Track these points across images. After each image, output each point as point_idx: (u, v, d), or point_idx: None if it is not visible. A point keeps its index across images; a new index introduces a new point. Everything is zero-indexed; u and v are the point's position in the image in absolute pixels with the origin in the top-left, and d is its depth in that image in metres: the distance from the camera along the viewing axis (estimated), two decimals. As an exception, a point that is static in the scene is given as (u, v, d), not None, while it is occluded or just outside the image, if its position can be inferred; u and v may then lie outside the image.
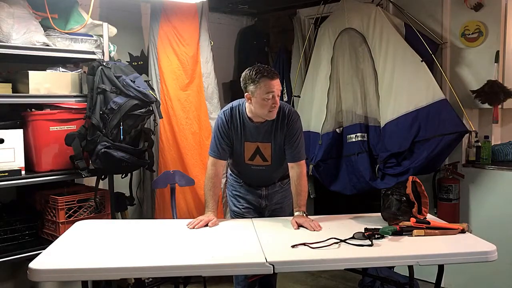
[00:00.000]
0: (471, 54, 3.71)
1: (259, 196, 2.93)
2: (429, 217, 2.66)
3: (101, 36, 3.37)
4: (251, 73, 2.63)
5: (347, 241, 2.30)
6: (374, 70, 3.83)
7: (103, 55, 3.35)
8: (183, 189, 3.80)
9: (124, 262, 2.11)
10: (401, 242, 2.34)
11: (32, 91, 3.08)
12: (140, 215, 4.16)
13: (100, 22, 3.38)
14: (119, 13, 3.98)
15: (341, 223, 2.69)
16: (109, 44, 3.38)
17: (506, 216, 3.53)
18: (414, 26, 3.73)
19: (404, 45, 3.68)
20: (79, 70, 3.38)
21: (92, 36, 3.35)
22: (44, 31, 3.13)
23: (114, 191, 3.44)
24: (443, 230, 2.43)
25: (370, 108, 3.89)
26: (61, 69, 3.30)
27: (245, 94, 2.67)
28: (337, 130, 4.01)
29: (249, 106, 2.69)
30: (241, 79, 2.70)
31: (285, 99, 4.59)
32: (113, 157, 3.12)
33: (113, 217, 3.41)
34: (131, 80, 3.22)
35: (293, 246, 2.25)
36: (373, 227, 2.43)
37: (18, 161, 3.05)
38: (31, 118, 3.16)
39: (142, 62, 4.18)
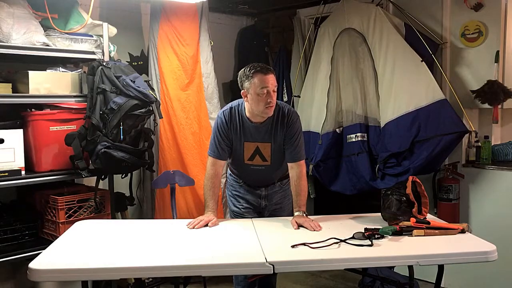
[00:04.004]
0: (471, 54, 3.70)
1: (259, 196, 2.93)
2: (429, 217, 2.66)
3: (101, 36, 3.36)
4: (245, 70, 2.66)
5: (347, 241, 2.30)
6: (374, 70, 3.83)
7: (103, 55, 3.35)
8: (183, 189, 3.80)
9: (124, 262, 2.11)
10: (401, 242, 2.34)
11: (32, 91, 3.08)
12: (140, 215, 4.16)
13: (100, 22, 3.38)
14: (119, 13, 3.98)
15: (341, 223, 2.69)
16: (109, 44, 3.38)
17: (506, 216, 3.53)
18: (414, 26, 3.73)
19: (404, 45, 3.68)
20: (79, 70, 3.38)
21: (92, 36, 3.35)
22: (44, 31, 3.13)
23: (114, 191, 3.44)
24: (443, 230, 2.43)
25: (370, 108, 3.89)
26: (61, 69, 3.30)
27: (242, 92, 2.68)
28: (337, 130, 4.00)
29: (247, 106, 2.70)
30: (237, 78, 2.70)
31: (285, 99, 4.60)
32: (113, 157, 3.12)
33: (113, 217, 3.41)
34: (131, 80, 3.22)
35: (293, 246, 2.25)
36: (373, 227, 2.43)
37: (18, 161, 3.05)
38: (31, 118, 3.16)
39: (142, 62, 4.18)
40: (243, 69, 2.69)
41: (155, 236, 2.50)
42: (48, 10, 3.14)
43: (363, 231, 2.38)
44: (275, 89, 2.65)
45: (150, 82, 3.73)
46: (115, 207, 3.48)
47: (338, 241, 2.30)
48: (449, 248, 2.27)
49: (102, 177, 3.33)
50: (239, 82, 2.69)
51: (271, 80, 2.61)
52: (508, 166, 3.62)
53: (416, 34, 3.67)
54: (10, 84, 3.08)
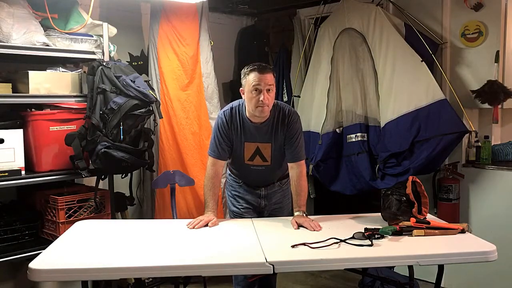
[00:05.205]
0: (471, 54, 3.70)
1: (258, 196, 2.93)
2: (429, 217, 2.66)
3: (101, 36, 3.37)
4: (244, 68, 2.67)
5: (347, 241, 2.30)
6: (374, 70, 3.83)
7: (103, 55, 3.35)
8: (183, 189, 3.80)
9: (124, 262, 2.11)
10: (401, 242, 2.34)
11: (32, 91, 3.08)
12: (140, 215, 4.16)
13: (100, 22, 3.38)
14: (119, 13, 3.98)
15: (341, 223, 2.69)
16: (109, 44, 3.38)
17: (506, 216, 3.53)
18: (414, 26, 3.73)
19: (404, 45, 3.68)
20: (79, 70, 3.38)
21: (92, 36, 3.35)
22: (44, 31, 3.13)
23: (114, 191, 3.44)
24: (443, 230, 2.43)
25: (370, 108, 3.89)
26: (61, 69, 3.30)
27: (240, 89, 2.69)
28: (337, 130, 4.00)
29: (247, 107, 2.69)
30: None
31: (285, 99, 4.60)
32: (113, 157, 3.12)
33: (113, 217, 3.41)
34: (131, 80, 3.22)
35: (293, 246, 2.25)
36: (373, 227, 2.43)
37: (18, 161, 3.04)
38: (31, 118, 3.16)
39: (142, 62, 4.18)
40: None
41: (155, 236, 2.50)
42: (48, 10, 3.14)
43: (363, 231, 2.38)
44: (271, 89, 2.61)
45: (150, 82, 3.73)
46: (115, 207, 3.48)
47: (338, 241, 2.30)
48: (449, 248, 2.27)
49: (102, 177, 3.33)
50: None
51: (265, 79, 2.57)
52: (508, 166, 3.62)
53: (416, 34, 3.67)
54: (10, 84, 3.08)
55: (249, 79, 2.60)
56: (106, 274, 2.07)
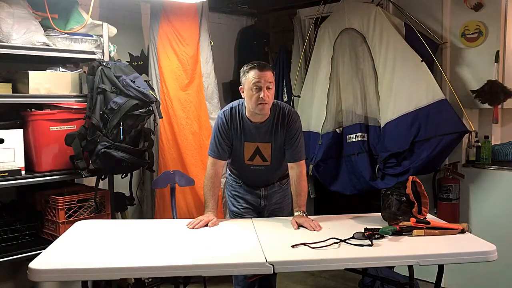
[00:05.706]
0: (471, 54, 3.70)
1: (258, 196, 2.93)
2: (429, 217, 2.66)
3: (101, 36, 3.37)
4: (244, 66, 2.67)
5: (347, 241, 2.30)
6: (374, 70, 3.83)
7: (103, 55, 3.35)
8: (183, 189, 3.80)
9: (124, 262, 2.11)
10: (401, 242, 2.34)
11: (32, 91, 3.08)
12: (140, 215, 4.16)
13: (100, 22, 3.38)
14: (119, 13, 3.99)
15: (341, 223, 2.69)
16: (109, 44, 3.38)
17: (506, 216, 3.53)
18: (414, 26, 3.73)
19: (404, 45, 3.68)
20: (79, 70, 3.39)
21: (92, 36, 3.35)
22: (44, 31, 3.13)
23: (114, 191, 3.44)
24: (443, 230, 2.43)
25: (370, 108, 3.89)
26: (61, 69, 3.30)
27: (239, 87, 2.69)
28: (337, 130, 4.01)
29: (247, 105, 2.69)
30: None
31: (285, 99, 4.60)
32: (113, 157, 3.12)
33: (113, 217, 3.41)
34: (131, 80, 3.22)
35: (293, 246, 2.25)
36: (373, 227, 2.43)
37: (18, 161, 3.04)
38: (31, 118, 3.16)
39: (142, 62, 4.18)
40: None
41: (155, 236, 2.50)
42: (48, 10, 3.14)
43: (363, 231, 2.38)
44: (271, 86, 2.61)
45: (150, 82, 3.73)
46: (115, 207, 3.48)
47: (338, 241, 2.30)
48: (449, 248, 2.27)
49: (102, 177, 3.33)
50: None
51: (265, 76, 2.58)
52: (508, 166, 3.62)
53: (416, 34, 3.67)
54: (10, 84, 3.08)
55: (249, 76, 2.60)
56: (106, 274, 2.07)
